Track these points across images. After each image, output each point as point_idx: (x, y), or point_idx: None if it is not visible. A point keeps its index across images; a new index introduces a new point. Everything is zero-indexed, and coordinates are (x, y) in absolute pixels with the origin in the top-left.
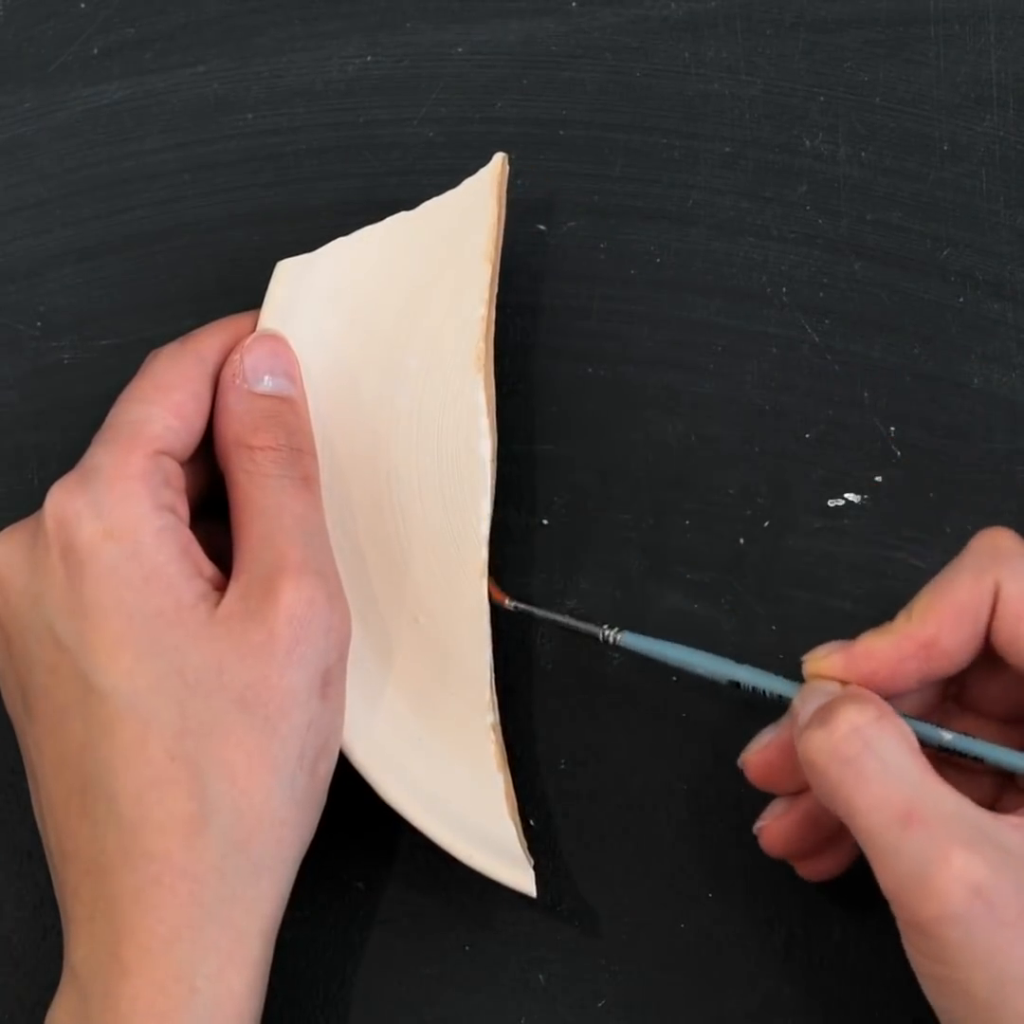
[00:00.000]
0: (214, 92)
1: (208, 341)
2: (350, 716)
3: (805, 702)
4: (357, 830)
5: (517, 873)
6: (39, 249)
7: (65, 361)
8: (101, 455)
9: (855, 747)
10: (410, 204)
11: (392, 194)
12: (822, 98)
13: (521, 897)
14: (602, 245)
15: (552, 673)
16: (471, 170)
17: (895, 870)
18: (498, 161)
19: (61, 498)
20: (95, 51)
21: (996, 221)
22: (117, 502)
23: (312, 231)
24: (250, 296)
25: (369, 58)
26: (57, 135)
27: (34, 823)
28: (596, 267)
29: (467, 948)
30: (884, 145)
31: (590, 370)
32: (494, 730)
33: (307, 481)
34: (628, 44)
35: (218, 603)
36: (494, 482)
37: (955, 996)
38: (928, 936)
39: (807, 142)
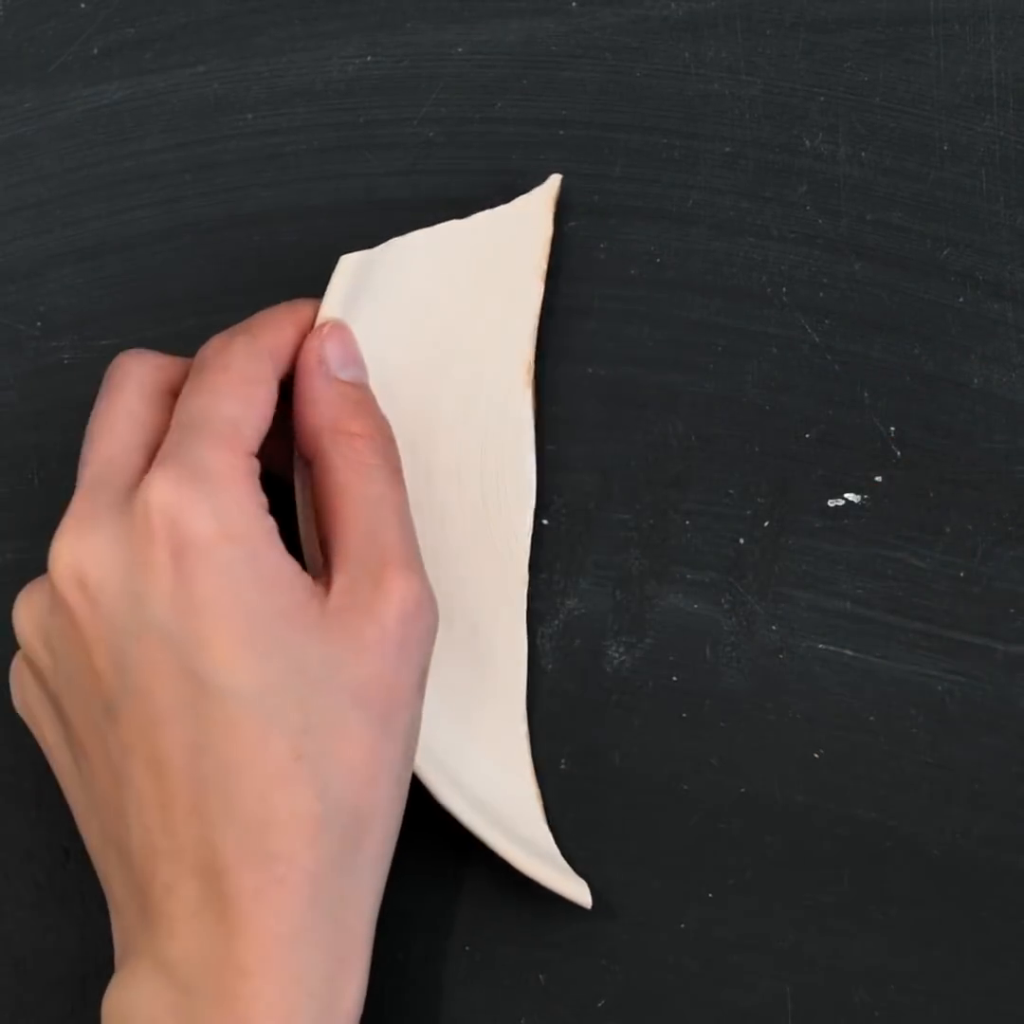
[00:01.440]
0: (214, 92)
1: (278, 335)
2: None
3: None
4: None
5: (571, 884)
6: (39, 249)
7: (65, 361)
8: (206, 453)
9: None
10: (410, 204)
11: (392, 194)
12: (822, 98)
13: (519, 898)
14: (602, 245)
15: (552, 673)
16: (471, 170)
17: None
18: (555, 181)
19: (171, 497)
20: (95, 51)
21: (996, 221)
22: (233, 504)
23: (312, 231)
24: (250, 296)
25: (369, 58)
26: (57, 135)
27: (35, 822)
28: (596, 267)
29: (466, 948)
30: (884, 145)
31: (590, 370)
32: (526, 739)
33: (399, 471)
34: (628, 44)
35: (324, 598)
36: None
37: None
38: None
39: (807, 142)
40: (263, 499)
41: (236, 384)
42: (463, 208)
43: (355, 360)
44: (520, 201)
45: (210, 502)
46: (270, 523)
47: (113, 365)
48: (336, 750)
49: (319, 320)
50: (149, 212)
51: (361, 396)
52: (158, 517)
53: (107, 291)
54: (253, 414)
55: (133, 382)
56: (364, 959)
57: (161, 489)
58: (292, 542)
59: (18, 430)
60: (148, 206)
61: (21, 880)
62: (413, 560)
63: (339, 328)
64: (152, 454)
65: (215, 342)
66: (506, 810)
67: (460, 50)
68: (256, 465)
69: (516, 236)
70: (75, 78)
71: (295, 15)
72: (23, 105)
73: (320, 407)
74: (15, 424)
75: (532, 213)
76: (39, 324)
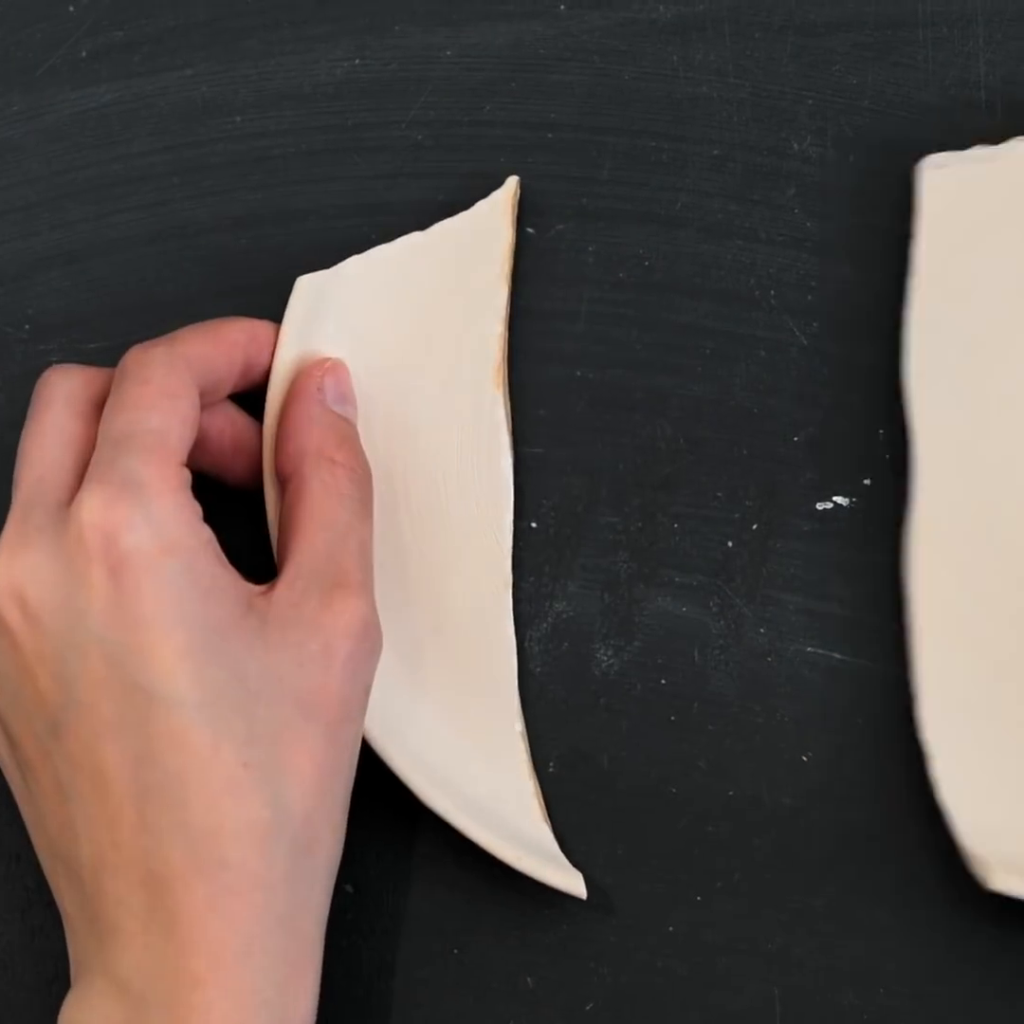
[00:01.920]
0: (202, 95)
1: (196, 348)
2: (387, 723)
3: None
4: (346, 834)
5: (564, 876)
6: (27, 252)
7: (54, 364)
8: (136, 466)
9: None
10: (398, 207)
11: (380, 197)
12: (810, 101)
13: (508, 900)
14: (590, 248)
15: (540, 676)
16: (460, 173)
17: None
18: (512, 184)
19: (104, 513)
20: (83, 54)
21: None
22: (169, 516)
23: (300, 234)
24: (238, 299)
25: (357, 61)
26: (45, 138)
27: (21, 826)
28: (584, 270)
29: (455, 951)
30: (872, 148)
31: (578, 373)
32: (523, 737)
33: (370, 509)
34: (616, 47)
35: (265, 608)
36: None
37: None
38: None
39: (795, 145)
40: (197, 508)
41: (157, 396)
42: (451, 211)
43: (350, 400)
44: (479, 206)
45: (144, 515)
46: (207, 533)
47: (41, 381)
48: (283, 758)
49: (280, 343)
50: (137, 215)
51: (349, 431)
52: (93, 534)
53: (95, 294)
54: (177, 424)
55: (61, 398)
56: (316, 965)
57: (93, 506)
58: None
59: (7, 434)
60: (136, 209)
61: (9, 883)
62: (366, 588)
63: (341, 366)
64: (84, 469)
65: (134, 353)
66: (500, 808)
67: (448, 53)
68: (187, 475)
69: (477, 241)
70: (63, 81)
71: (283, 18)
72: (11, 108)
73: (310, 430)
74: (4, 428)
75: (492, 217)
76: (27, 327)
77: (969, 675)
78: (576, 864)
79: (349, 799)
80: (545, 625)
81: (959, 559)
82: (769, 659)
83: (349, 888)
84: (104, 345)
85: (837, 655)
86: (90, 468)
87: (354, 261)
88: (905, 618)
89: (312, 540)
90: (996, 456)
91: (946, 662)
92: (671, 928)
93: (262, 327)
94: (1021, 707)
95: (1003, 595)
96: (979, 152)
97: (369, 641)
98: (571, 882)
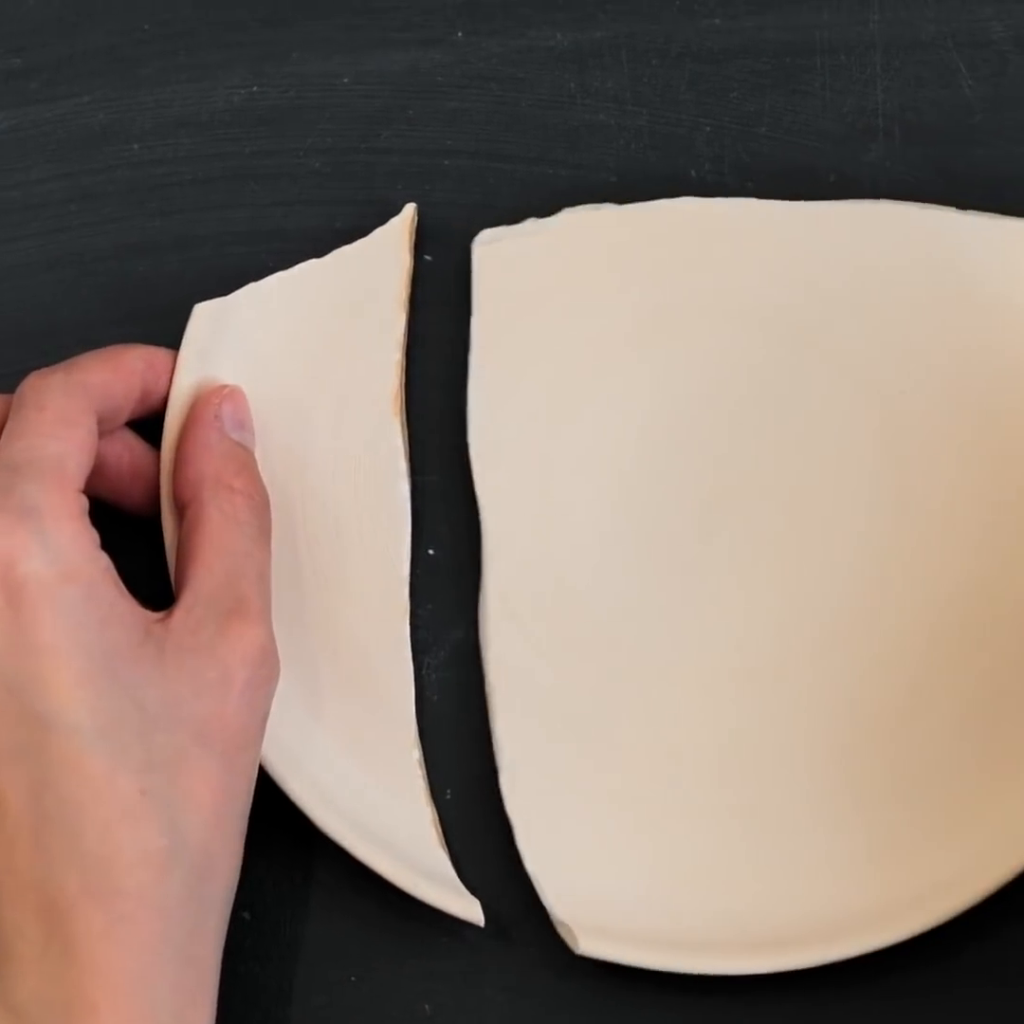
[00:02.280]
0: (100, 122)
1: (94, 375)
2: (285, 751)
3: None
4: (243, 861)
5: (462, 903)
6: None
7: None
8: (34, 493)
9: None
10: (295, 234)
11: (277, 224)
12: (708, 128)
13: (406, 928)
14: None
15: (438, 704)
16: (357, 200)
17: None
18: (409, 211)
19: (2, 540)
20: None
21: None
22: (67, 543)
23: (197, 261)
24: (136, 326)
25: (255, 88)
26: None
27: None
28: None
29: (353, 978)
30: (771, 175)
31: None
32: (420, 764)
33: (268, 536)
34: (514, 74)
35: (163, 635)
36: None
37: None
38: None
39: (693, 172)
40: (95, 535)
41: (55, 423)
42: (348, 238)
43: (248, 426)
44: (376, 234)
45: (41, 542)
46: (105, 560)
47: None
48: (181, 786)
49: (177, 371)
50: (35, 242)
51: (248, 458)
52: None
53: None
54: (75, 451)
55: None
56: (212, 992)
57: None
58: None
59: None
60: (33, 236)
61: None
62: (263, 615)
63: (239, 393)
64: None
65: (31, 380)
66: (398, 835)
67: (345, 80)
68: (85, 502)
69: (374, 269)
70: None
71: (180, 45)
72: None
73: (208, 457)
74: None
75: (389, 245)
76: None
77: (546, 745)
78: (474, 891)
79: (246, 826)
80: (443, 652)
81: (529, 629)
82: None
83: (246, 915)
84: (2, 372)
85: None
86: None
87: (251, 288)
88: (485, 688)
89: (210, 567)
90: (560, 523)
91: (523, 732)
92: (569, 956)
93: (160, 354)
94: (598, 775)
95: (577, 664)
96: (529, 226)
97: (266, 668)
98: (469, 909)
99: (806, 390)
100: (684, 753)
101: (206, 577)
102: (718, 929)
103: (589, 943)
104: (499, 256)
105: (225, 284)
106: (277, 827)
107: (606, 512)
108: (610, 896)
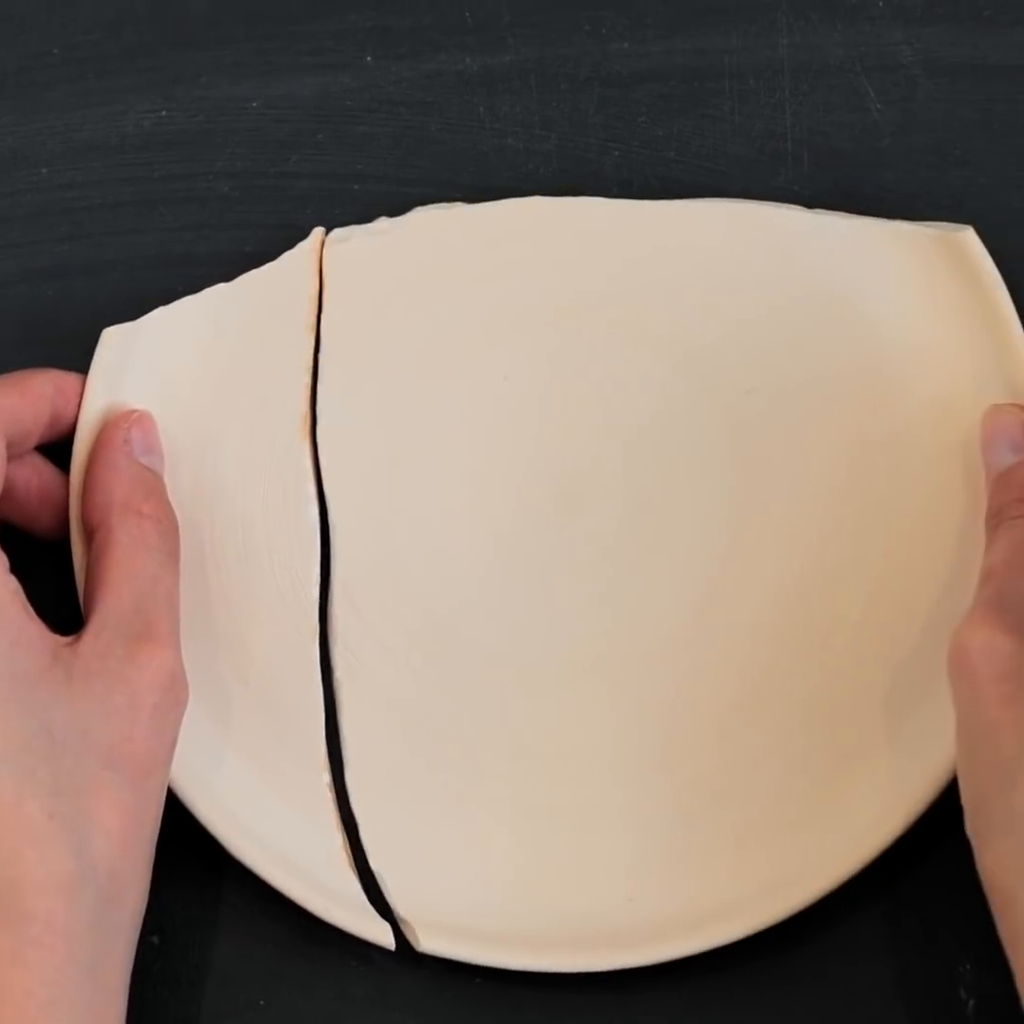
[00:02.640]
0: (8, 146)
1: (2, 400)
2: (194, 775)
3: None
4: (152, 885)
5: (372, 927)
6: None
7: None
8: None
9: None
10: (205, 259)
11: (187, 248)
12: (617, 152)
13: (316, 952)
14: None
15: None
16: (266, 224)
17: None
18: (316, 235)
19: None
20: None
21: None
22: None
23: (106, 285)
24: (45, 351)
25: (164, 113)
26: None
27: None
28: None
29: (263, 1002)
30: (680, 199)
31: None
32: (330, 789)
33: (177, 560)
34: (423, 99)
35: (71, 660)
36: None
37: None
38: None
39: (603, 196)
40: (3, 559)
41: None
42: (257, 262)
43: (157, 451)
44: (285, 258)
45: None
46: (13, 584)
47: None
48: (89, 810)
49: (86, 395)
50: None
51: (156, 483)
52: None
53: None
54: None
55: None
56: (120, 1017)
57: None
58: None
59: None
60: None
61: None
62: (172, 640)
63: (148, 417)
64: None
65: None
66: (308, 860)
67: (255, 105)
68: None
69: (283, 293)
70: None
71: (90, 70)
72: None
73: (116, 482)
74: None
75: (297, 269)
76: None
77: (389, 741)
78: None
79: (155, 850)
80: None
81: (373, 625)
82: None
83: (155, 939)
84: None
85: None
86: None
87: (160, 313)
88: (333, 684)
89: (118, 592)
90: (405, 520)
91: (367, 730)
92: (478, 980)
93: (69, 379)
94: (440, 773)
95: (420, 661)
96: (381, 224)
97: (175, 693)
98: (378, 932)
99: (651, 390)
100: (524, 752)
101: (114, 602)
102: (559, 928)
103: (430, 940)
104: (349, 254)
105: (134, 308)
106: (187, 851)
107: (450, 510)
108: (452, 894)
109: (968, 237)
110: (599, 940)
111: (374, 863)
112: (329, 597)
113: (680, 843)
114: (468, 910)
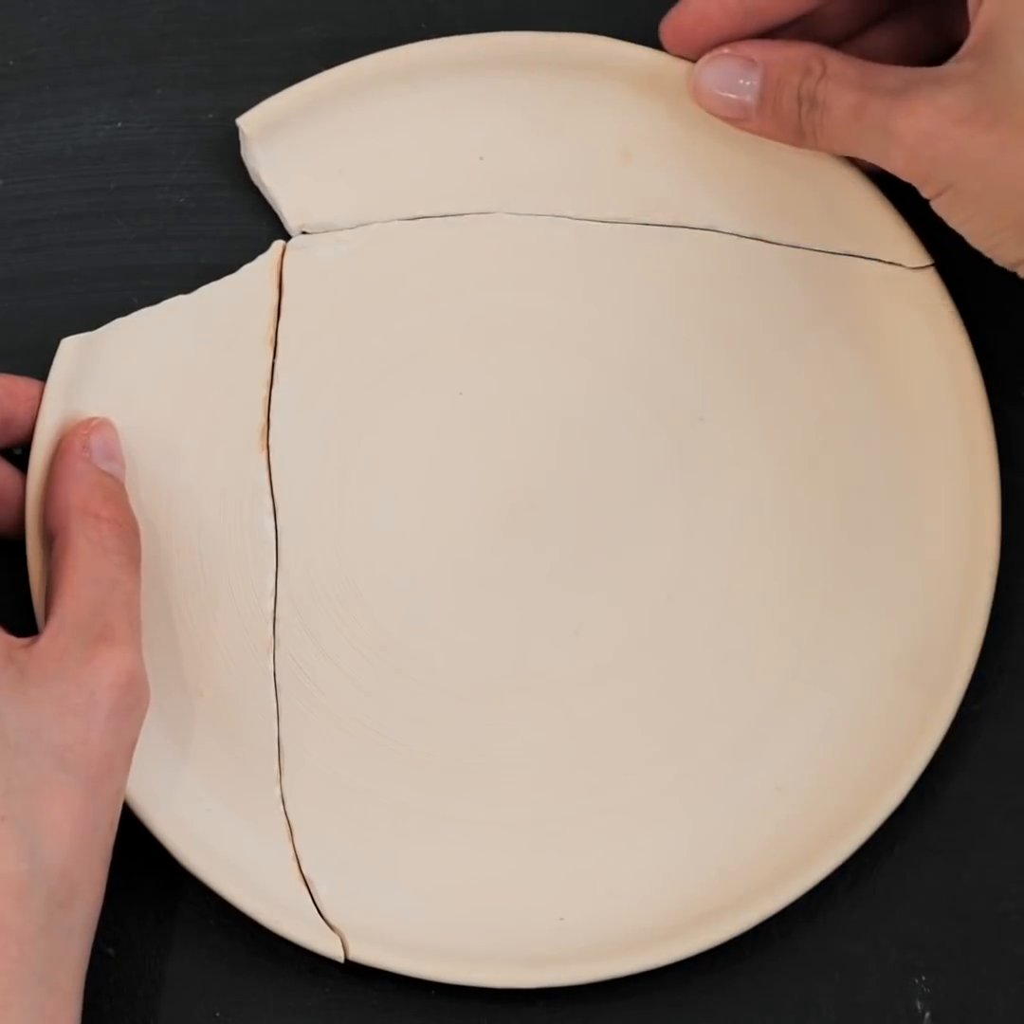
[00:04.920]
0: None
1: None
2: (149, 786)
3: None
4: (107, 896)
5: (323, 939)
6: None
7: None
8: None
9: None
10: (162, 270)
11: (142, 260)
12: None
13: (269, 964)
14: None
15: None
16: (222, 236)
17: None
18: (276, 248)
19: None
20: None
21: None
22: None
23: (61, 297)
24: (1, 362)
25: (120, 124)
26: None
27: None
28: None
29: (218, 1014)
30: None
31: None
32: (282, 802)
33: (137, 564)
34: None
35: (25, 662)
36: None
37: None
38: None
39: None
40: None
41: None
42: (215, 274)
43: (117, 457)
44: (244, 270)
45: None
46: None
47: None
48: (42, 812)
49: (44, 405)
50: None
51: (116, 488)
52: None
53: None
54: None
55: None
56: (77, 1018)
57: None
58: None
59: None
60: None
61: None
62: (132, 642)
63: (108, 424)
64: None
65: None
66: (260, 872)
67: (211, 116)
68: None
69: (242, 305)
70: None
71: (45, 81)
72: None
73: (76, 487)
74: None
75: (257, 281)
76: None
77: (326, 748)
78: (334, 928)
79: (110, 855)
80: None
81: (316, 631)
82: None
83: (110, 951)
84: None
85: None
86: None
87: (119, 324)
88: (275, 689)
89: (76, 594)
90: (353, 528)
91: (306, 738)
92: (433, 992)
93: (21, 383)
94: (377, 781)
95: (361, 669)
96: (339, 234)
97: (133, 695)
98: (329, 945)
99: (606, 412)
100: (459, 768)
101: (72, 604)
102: (489, 943)
103: (358, 949)
104: (311, 264)
105: (91, 320)
106: (141, 863)
107: (401, 525)
108: (383, 903)
109: (925, 274)
110: (529, 957)
111: (306, 869)
112: (275, 601)
113: (611, 864)
114: (399, 921)
